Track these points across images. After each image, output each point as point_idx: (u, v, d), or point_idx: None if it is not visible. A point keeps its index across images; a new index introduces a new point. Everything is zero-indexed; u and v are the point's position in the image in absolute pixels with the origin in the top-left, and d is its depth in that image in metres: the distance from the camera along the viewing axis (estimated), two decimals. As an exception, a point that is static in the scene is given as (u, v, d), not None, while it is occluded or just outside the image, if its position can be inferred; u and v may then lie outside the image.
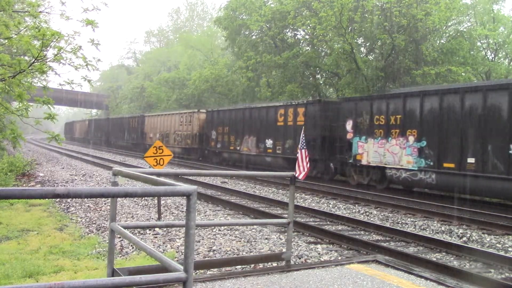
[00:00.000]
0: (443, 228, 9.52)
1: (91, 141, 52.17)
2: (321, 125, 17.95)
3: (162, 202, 10.31)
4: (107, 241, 4.76)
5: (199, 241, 7.06)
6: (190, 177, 15.97)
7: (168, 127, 30.90)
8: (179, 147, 28.94)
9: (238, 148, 22.93)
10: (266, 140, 20.73)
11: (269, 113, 20.83)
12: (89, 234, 7.57)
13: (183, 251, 6.33)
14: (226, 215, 10.18)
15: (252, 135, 21.92)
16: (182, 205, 10.77)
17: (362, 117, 16.16)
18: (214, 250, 6.61)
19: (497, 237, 8.87)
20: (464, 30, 26.82)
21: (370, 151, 15.67)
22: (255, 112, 22.01)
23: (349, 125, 16.76)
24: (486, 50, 27.82)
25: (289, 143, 19.20)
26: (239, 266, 5.06)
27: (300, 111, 18.98)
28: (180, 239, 7.18)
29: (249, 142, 21.97)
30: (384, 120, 15.20)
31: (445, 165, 13.02)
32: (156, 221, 8.66)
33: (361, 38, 27.45)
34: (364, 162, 15.95)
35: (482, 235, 9.01)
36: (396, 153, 14.62)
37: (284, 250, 5.29)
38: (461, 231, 9.27)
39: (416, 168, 13.90)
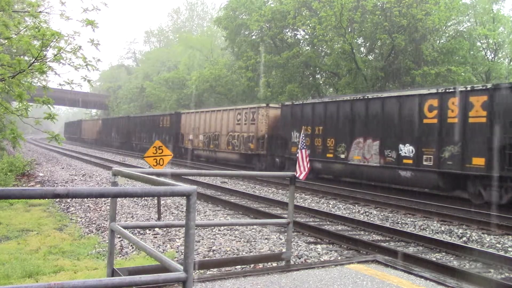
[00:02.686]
0: (443, 228, 9.52)
1: (105, 143, 46.54)
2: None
3: (162, 202, 10.31)
4: (107, 241, 4.76)
5: (199, 241, 7.06)
6: (190, 177, 15.96)
7: (217, 127, 24.87)
8: (235, 153, 22.94)
9: (342, 156, 16.70)
10: (401, 146, 14.38)
11: (406, 105, 14.48)
12: (89, 234, 7.57)
13: (183, 251, 6.33)
14: (226, 215, 10.18)
15: (370, 137, 15.55)
16: (182, 205, 10.77)
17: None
18: (214, 250, 6.61)
19: (497, 237, 8.87)
20: (464, 30, 26.85)
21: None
22: (376, 105, 15.45)
23: None
24: (486, 50, 27.84)
25: (452, 150, 12.90)
26: (239, 266, 5.06)
27: (476, 101, 12.44)
28: (180, 239, 7.17)
29: (365, 148, 15.71)
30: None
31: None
32: (156, 221, 8.66)
33: (361, 38, 27.45)
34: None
35: (482, 235, 9.01)
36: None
37: (284, 250, 5.29)
38: (461, 231, 9.27)
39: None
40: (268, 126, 21.20)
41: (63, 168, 20.27)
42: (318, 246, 7.56)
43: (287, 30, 30.94)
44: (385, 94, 15.53)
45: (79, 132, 59.09)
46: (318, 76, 31.37)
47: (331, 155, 17.27)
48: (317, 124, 18.02)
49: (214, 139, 25.05)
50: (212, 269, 5.24)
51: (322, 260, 6.46)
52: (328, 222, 9.79)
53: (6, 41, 9.01)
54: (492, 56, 27.62)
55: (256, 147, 21.40)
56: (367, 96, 15.96)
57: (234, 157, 23.27)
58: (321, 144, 17.73)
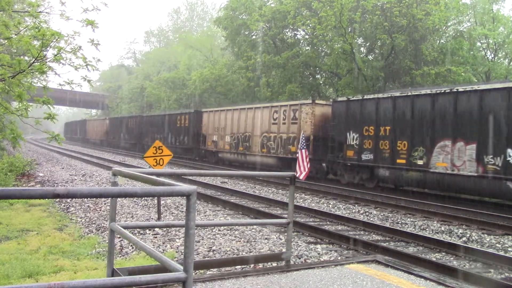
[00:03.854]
0: (443, 228, 9.52)
1: (114, 144, 43.49)
2: None
3: (162, 202, 10.31)
4: (107, 241, 4.76)
5: (199, 241, 7.06)
6: (190, 177, 15.96)
7: (247, 127, 22.16)
8: (271, 157, 20.38)
9: (420, 162, 13.80)
10: (510, 151, 11.56)
11: None
12: (89, 234, 7.57)
13: (183, 251, 6.32)
14: (226, 215, 10.18)
15: (461, 139, 12.70)
16: (182, 205, 10.77)
17: None
18: (213, 250, 6.61)
19: (497, 237, 8.88)
20: (464, 30, 26.84)
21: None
22: (471, 99, 12.61)
23: None
24: (485, 50, 27.83)
25: None
26: (239, 266, 5.06)
27: None
28: (180, 239, 7.17)
29: (455, 153, 12.85)
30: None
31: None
32: (156, 221, 8.66)
33: (361, 38, 27.46)
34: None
35: (482, 235, 9.01)
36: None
37: (284, 250, 5.29)
38: (460, 231, 9.27)
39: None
40: (314, 126, 18.23)
41: (63, 168, 20.27)
42: (318, 246, 7.56)
43: (287, 30, 30.94)
44: (482, 87, 12.62)
45: (83, 133, 55.99)
46: (318, 76, 31.37)
47: (402, 161, 14.28)
48: (383, 123, 15.09)
49: (244, 141, 22.19)
50: (212, 269, 5.25)
51: (322, 260, 6.46)
52: (328, 222, 9.79)
53: (6, 41, 9.00)
54: (492, 56, 27.62)
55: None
56: (457, 89, 13.10)
57: (270, 161, 20.46)
58: (389, 148, 14.75)
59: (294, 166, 17.96)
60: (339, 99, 17.71)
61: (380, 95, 15.70)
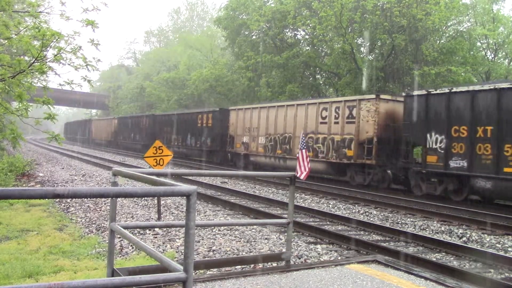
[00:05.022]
0: (443, 228, 9.52)
1: (123, 145, 40.52)
2: None
3: (162, 202, 10.31)
4: (107, 241, 4.76)
5: (199, 241, 7.06)
6: (190, 177, 15.97)
7: (287, 126, 19.54)
8: (320, 162, 17.66)
9: None
10: None
11: None
12: (89, 234, 7.57)
13: (183, 251, 6.33)
14: (226, 215, 10.18)
15: None
16: (182, 205, 10.77)
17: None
18: (214, 250, 6.61)
19: (497, 237, 8.87)
20: (464, 30, 26.85)
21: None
22: None
23: None
24: (486, 50, 27.85)
25: None
26: (239, 266, 5.06)
27: None
28: (180, 239, 7.18)
29: None
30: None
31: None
32: (156, 221, 8.67)
33: (361, 38, 27.47)
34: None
35: (482, 235, 9.01)
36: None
37: (284, 250, 5.29)
38: (461, 231, 9.27)
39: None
40: (379, 126, 15.44)
41: (63, 168, 20.27)
42: (318, 246, 7.55)
43: (287, 30, 30.95)
44: None
45: (88, 133, 52.97)
46: (318, 76, 31.38)
47: None
48: (481, 122, 12.32)
49: (283, 143, 19.52)
50: (212, 269, 5.25)
51: (322, 260, 6.46)
52: (328, 222, 9.79)
53: (6, 41, 9.01)
54: (492, 56, 27.63)
55: (357, 154, 15.91)
56: None
57: (318, 166, 17.74)
58: (491, 153, 11.94)
59: (350, 173, 16.64)
60: (415, 93, 14.55)
61: (477, 87, 12.82)
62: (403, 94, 15.39)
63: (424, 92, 14.19)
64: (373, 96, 16.09)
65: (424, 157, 13.83)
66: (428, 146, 13.68)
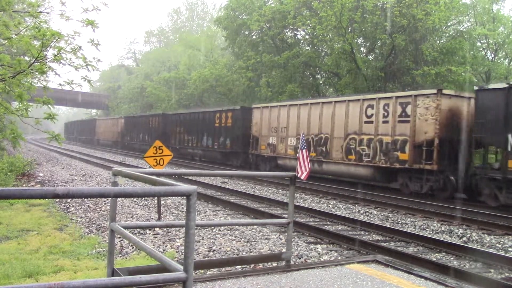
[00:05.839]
0: (443, 228, 9.52)
1: (130, 146, 38.75)
2: None
3: (162, 202, 10.31)
4: (107, 241, 4.76)
5: (199, 241, 7.06)
6: (190, 177, 15.97)
7: (323, 126, 17.65)
8: (364, 166, 15.87)
9: None
10: None
11: None
12: (89, 234, 7.57)
13: (183, 251, 6.33)
14: (226, 215, 10.18)
15: None
16: (182, 205, 10.77)
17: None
18: (214, 250, 6.61)
19: (497, 237, 8.88)
20: (464, 30, 26.86)
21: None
22: None
23: None
24: (486, 50, 27.85)
25: None
26: (239, 266, 5.06)
27: None
28: (180, 239, 7.18)
29: None
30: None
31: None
32: (156, 221, 8.67)
33: (361, 38, 27.48)
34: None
35: (482, 235, 9.01)
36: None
37: (284, 250, 5.29)
38: (461, 231, 9.27)
39: None
40: (440, 125, 13.52)
41: (63, 168, 20.28)
42: (318, 246, 7.56)
43: (287, 30, 30.95)
44: None
45: (92, 133, 51.27)
46: (318, 76, 31.38)
47: None
48: None
49: (319, 144, 17.70)
50: (212, 269, 5.25)
51: (322, 260, 6.46)
52: (328, 222, 9.79)
53: (6, 41, 9.01)
54: (492, 56, 27.63)
55: (413, 158, 13.97)
56: None
57: (362, 171, 16.05)
58: None
59: (403, 179, 14.73)
60: (491, 86, 12.80)
61: None
62: (475, 87, 13.47)
63: (504, 85, 12.20)
64: (434, 91, 13.94)
65: (504, 161, 11.86)
66: (509, 149, 11.69)
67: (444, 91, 14.02)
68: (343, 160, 16.59)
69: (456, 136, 13.57)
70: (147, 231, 7.62)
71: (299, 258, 6.50)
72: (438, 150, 13.41)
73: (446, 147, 13.51)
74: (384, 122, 15.14)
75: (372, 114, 15.58)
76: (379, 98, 15.47)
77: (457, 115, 13.90)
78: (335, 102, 17.24)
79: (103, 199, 10.20)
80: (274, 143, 20.34)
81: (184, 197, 2.44)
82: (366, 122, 15.78)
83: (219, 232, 7.86)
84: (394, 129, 14.71)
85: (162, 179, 2.75)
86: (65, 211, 9.73)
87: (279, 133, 20.04)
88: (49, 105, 8.07)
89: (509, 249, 7.97)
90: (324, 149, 17.54)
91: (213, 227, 7.99)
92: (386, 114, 15.06)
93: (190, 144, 28.15)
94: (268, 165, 21.02)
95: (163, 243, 6.96)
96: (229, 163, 24.29)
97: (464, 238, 8.76)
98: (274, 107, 20.66)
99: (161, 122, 32.84)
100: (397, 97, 14.89)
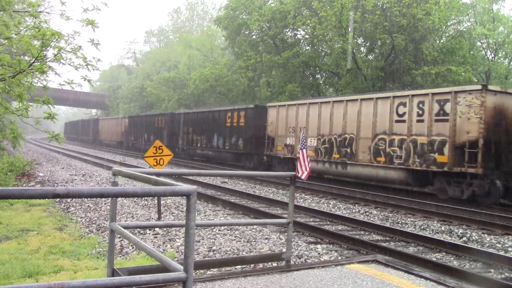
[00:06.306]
0: (443, 228, 9.52)
1: (135, 147, 37.37)
2: None
3: (162, 202, 10.31)
4: (107, 241, 4.76)
5: (199, 241, 7.06)
6: (190, 177, 15.97)
7: (347, 126, 16.55)
8: (397, 169, 14.60)
9: None
10: None
11: None
12: (89, 234, 7.57)
13: (183, 251, 6.33)
14: (226, 215, 10.18)
15: None
16: (182, 205, 10.77)
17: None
18: (214, 250, 6.61)
19: (497, 237, 8.88)
20: (464, 29, 26.86)
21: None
22: None
23: None
24: (485, 50, 27.86)
25: None
26: (239, 266, 5.06)
27: None
28: (180, 239, 7.18)
29: None
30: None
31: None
32: (156, 221, 8.67)
33: (361, 38, 27.48)
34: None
35: (482, 235, 9.01)
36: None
37: (284, 250, 5.29)
38: (461, 231, 9.27)
39: None
40: (486, 125, 12.37)
41: (63, 168, 20.28)
42: (318, 246, 7.56)
43: (287, 30, 30.95)
44: None
45: (94, 133, 50.25)
46: (318, 76, 31.37)
47: None
48: None
49: (343, 145, 16.59)
50: (212, 269, 5.25)
51: (322, 260, 6.46)
52: (328, 222, 9.79)
53: (6, 41, 9.01)
54: (492, 56, 27.64)
55: (453, 160, 12.80)
56: None
57: (392, 174, 14.83)
58: None
59: (440, 184, 13.47)
60: None
61: None
62: None
63: None
64: (478, 87, 12.77)
65: None
66: None
67: (490, 87, 12.90)
68: (371, 162, 15.40)
69: (503, 137, 12.54)
70: (147, 231, 7.62)
71: (299, 258, 6.50)
72: (483, 152, 12.19)
73: (492, 148, 12.38)
74: (418, 121, 14.00)
75: (404, 113, 14.46)
76: (413, 95, 14.33)
77: (504, 113, 12.78)
78: (361, 100, 16.13)
79: (103, 199, 10.20)
80: (292, 144, 19.20)
81: (184, 197, 2.44)
82: (397, 121, 14.70)
83: (219, 232, 7.86)
84: (431, 129, 13.56)
85: (162, 179, 2.75)
86: (65, 211, 9.73)
87: (297, 133, 18.90)
88: (49, 105, 8.07)
89: (509, 249, 7.97)
90: (348, 150, 16.42)
91: (213, 227, 7.99)
92: (420, 112, 13.92)
93: (199, 145, 27.12)
94: (285, 167, 19.92)
95: (163, 243, 6.96)
96: (241, 164, 23.14)
97: (464, 238, 8.76)
98: (292, 106, 19.55)
99: (168, 122, 31.66)
100: (433, 94, 13.71)
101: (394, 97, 14.89)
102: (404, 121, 14.43)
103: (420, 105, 13.96)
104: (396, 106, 14.74)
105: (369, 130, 15.56)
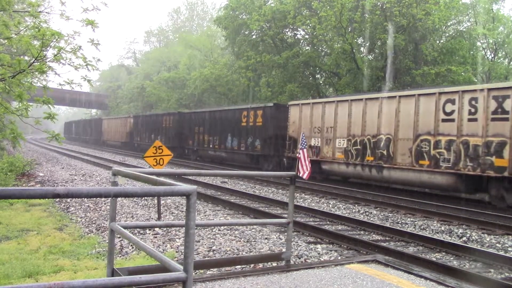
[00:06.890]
0: (443, 228, 9.52)
1: (140, 147, 35.36)
2: None
3: (162, 202, 10.31)
4: (107, 241, 4.76)
5: (199, 241, 7.06)
6: (190, 177, 15.96)
7: (383, 126, 15.27)
8: (442, 173, 13.26)
9: None
10: None
11: None
12: (89, 234, 7.57)
13: (183, 251, 6.32)
14: (226, 215, 10.18)
15: None
16: (182, 205, 10.77)
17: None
18: (214, 250, 6.61)
19: (497, 237, 8.88)
20: (464, 29, 26.86)
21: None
22: None
23: None
24: (485, 50, 27.85)
25: None
26: (239, 266, 5.06)
27: None
28: (180, 239, 7.18)
29: None
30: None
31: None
32: (156, 221, 8.67)
33: (361, 38, 27.48)
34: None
35: (482, 235, 9.01)
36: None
37: (284, 250, 5.29)
38: (461, 231, 9.27)
39: None
40: None
41: (63, 168, 20.28)
42: (318, 246, 7.56)
43: (287, 30, 30.95)
44: None
45: (97, 133, 48.90)
46: (318, 76, 31.37)
47: None
48: None
49: (377, 147, 15.25)
50: (212, 269, 5.25)
51: (322, 260, 6.46)
52: (328, 222, 9.79)
53: (6, 41, 9.02)
54: (492, 56, 27.63)
55: None
56: None
57: (439, 180, 13.45)
58: None
59: (498, 191, 12.04)
60: None
61: None
62: None
63: None
64: None
65: None
66: None
67: None
68: (413, 166, 14.00)
69: None
70: (147, 231, 7.62)
71: (299, 258, 6.50)
72: None
73: None
74: (470, 120, 12.53)
75: (452, 111, 13.00)
76: (463, 91, 12.84)
77: None
78: (400, 97, 14.75)
79: (103, 199, 10.20)
80: (318, 145, 17.82)
81: (184, 197, 2.44)
82: (444, 120, 13.24)
83: (219, 232, 7.86)
84: (486, 129, 12.09)
85: (162, 179, 2.75)
86: (65, 211, 9.73)
87: (323, 133, 17.55)
88: (49, 105, 8.07)
89: (509, 249, 7.97)
90: (384, 152, 15.02)
91: (213, 227, 7.99)
92: (473, 110, 12.44)
93: (211, 146, 25.49)
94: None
95: (163, 243, 6.96)
96: (258, 167, 21.66)
97: (464, 238, 8.76)
98: (317, 104, 18.12)
99: (176, 122, 30.13)
100: (489, 90, 12.17)
101: (440, 93, 13.43)
102: (452, 120, 13.00)
103: (473, 102, 12.50)
104: (442, 104, 13.31)
105: (409, 130, 14.23)
